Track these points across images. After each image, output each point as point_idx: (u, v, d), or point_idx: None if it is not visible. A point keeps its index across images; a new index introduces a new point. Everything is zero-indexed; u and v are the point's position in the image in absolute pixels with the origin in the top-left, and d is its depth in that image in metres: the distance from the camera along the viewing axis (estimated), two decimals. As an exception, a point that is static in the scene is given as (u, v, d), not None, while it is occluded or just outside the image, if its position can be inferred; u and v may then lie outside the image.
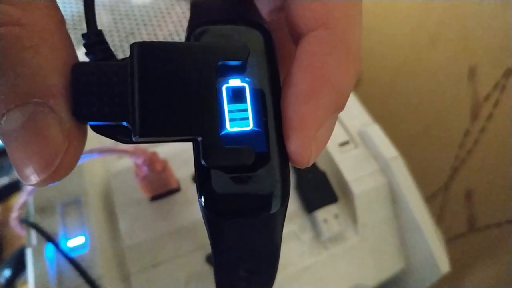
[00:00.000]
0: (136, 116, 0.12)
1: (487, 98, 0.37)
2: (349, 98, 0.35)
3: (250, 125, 0.13)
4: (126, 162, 0.31)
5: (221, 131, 0.13)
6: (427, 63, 0.42)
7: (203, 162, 0.12)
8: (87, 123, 0.13)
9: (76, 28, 0.39)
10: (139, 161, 0.26)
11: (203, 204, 0.13)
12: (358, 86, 0.54)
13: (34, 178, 0.12)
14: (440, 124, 0.43)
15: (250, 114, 0.13)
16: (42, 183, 0.12)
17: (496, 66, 0.35)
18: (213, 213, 0.13)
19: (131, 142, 0.13)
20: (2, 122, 0.12)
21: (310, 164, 0.14)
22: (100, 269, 0.26)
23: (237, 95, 0.13)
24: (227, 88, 0.13)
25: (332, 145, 0.32)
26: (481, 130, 0.38)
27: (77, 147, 0.13)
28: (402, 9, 0.43)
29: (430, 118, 0.45)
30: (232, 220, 0.14)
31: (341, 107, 0.14)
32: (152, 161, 0.27)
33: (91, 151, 0.25)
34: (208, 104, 0.13)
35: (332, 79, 0.13)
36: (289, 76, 0.13)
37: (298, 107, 0.13)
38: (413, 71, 0.45)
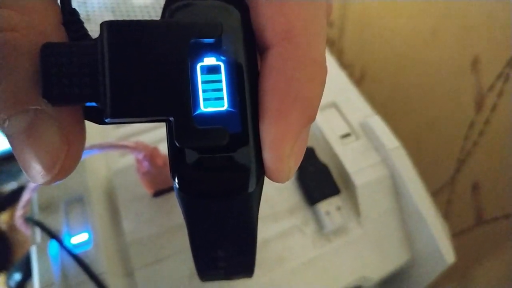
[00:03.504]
0: (107, 97, 0.12)
1: (490, 88, 0.36)
2: (350, 91, 0.35)
3: (224, 105, 0.13)
4: (129, 159, 0.31)
5: (194, 111, 0.13)
6: (430, 56, 0.42)
7: (176, 143, 0.12)
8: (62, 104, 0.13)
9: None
10: (140, 156, 0.26)
11: (177, 186, 0.13)
12: (361, 81, 0.54)
13: (39, 179, 0.13)
14: (444, 117, 0.43)
15: (225, 94, 0.13)
16: (48, 183, 0.13)
17: (498, 56, 0.35)
18: (189, 195, 0.13)
19: (104, 123, 0.13)
20: (5, 126, 0.12)
21: (290, 178, 0.14)
22: (103, 265, 0.26)
23: (211, 74, 0.13)
24: (201, 67, 0.13)
25: (333, 138, 0.32)
26: (486, 121, 0.38)
27: (77, 149, 0.13)
28: (403, 3, 0.43)
29: (434, 111, 0.44)
30: (208, 202, 0.14)
31: (312, 119, 0.14)
32: (153, 156, 0.27)
33: (92, 147, 0.25)
34: (180, 83, 0.12)
35: (300, 95, 0.13)
36: (258, 94, 0.13)
37: (270, 127, 0.13)
38: (416, 64, 0.44)
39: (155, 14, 0.43)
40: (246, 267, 0.18)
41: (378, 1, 0.46)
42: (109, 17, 0.41)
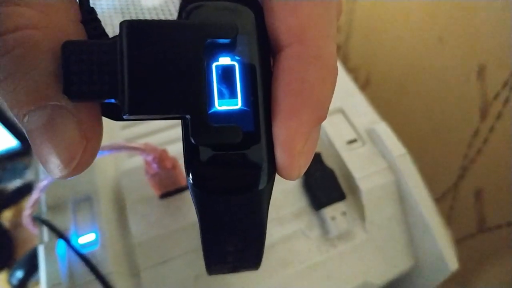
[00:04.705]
0: (125, 94, 0.12)
1: (496, 97, 0.37)
2: (357, 97, 0.36)
3: (238, 104, 0.13)
4: (137, 161, 0.31)
5: (210, 109, 0.13)
6: (436, 63, 0.42)
7: (191, 140, 0.13)
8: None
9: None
10: (149, 158, 0.27)
11: (191, 181, 0.13)
12: (366, 87, 0.54)
13: (57, 173, 0.13)
14: (449, 124, 0.43)
15: (238, 93, 0.13)
16: (64, 177, 0.13)
17: (504, 65, 0.35)
18: (202, 190, 0.13)
19: (122, 119, 0.13)
20: (24, 121, 0.12)
21: (301, 176, 0.14)
22: (110, 265, 0.26)
23: (226, 74, 0.13)
24: (216, 67, 0.13)
25: (340, 143, 0.32)
26: (490, 129, 0.38)
27: (95, 144, 0.13)
28: (410, 9, 0.43)
29: (439, 117, 0.44)
30: (221, 197, 0.14)
31: (323, 118, 0.14)
32: (162, 158, 0.27)
33: (102, 148, 0.25)
34: (196, 82, 0.13)
35: (311, 95, 0.13)
36: (271, 94, 0.14)
37: (283, 126, 0.13)
38: (422, 71, 0.45)
39: (164, 16, 0.43)
40: (253, 261, 0.18)
41: (385, 7, 0.46)
42: (118, 18, 0.41)
